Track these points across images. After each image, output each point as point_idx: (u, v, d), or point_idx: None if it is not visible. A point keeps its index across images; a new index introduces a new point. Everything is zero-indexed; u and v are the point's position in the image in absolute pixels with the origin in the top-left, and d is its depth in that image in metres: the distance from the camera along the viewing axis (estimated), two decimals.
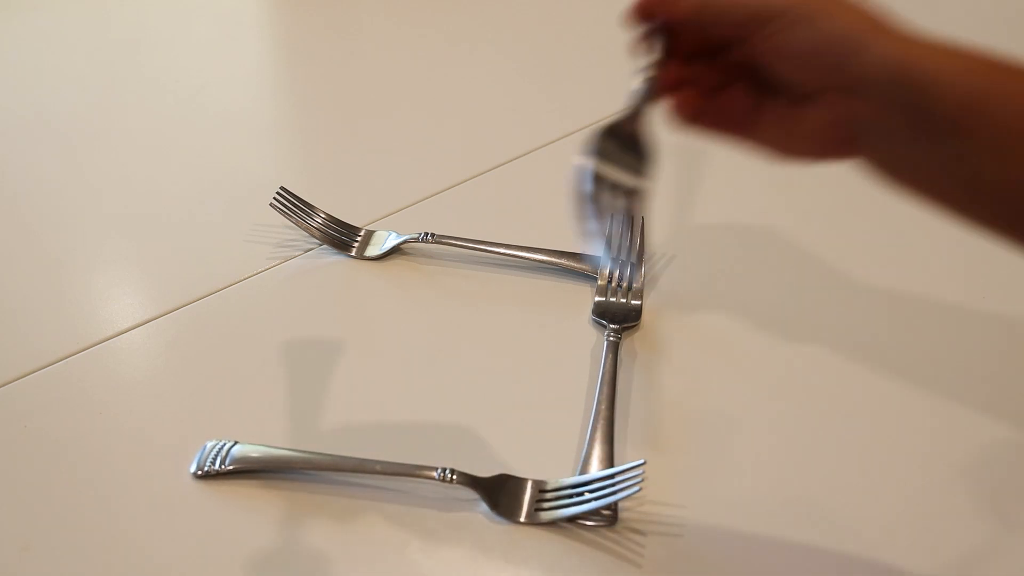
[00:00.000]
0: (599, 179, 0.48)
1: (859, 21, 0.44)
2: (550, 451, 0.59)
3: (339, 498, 0.56)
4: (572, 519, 0.55)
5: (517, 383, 0.64)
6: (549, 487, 0.56)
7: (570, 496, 0.55)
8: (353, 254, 0.74)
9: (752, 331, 0.68)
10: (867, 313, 0.70)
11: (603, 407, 0.61)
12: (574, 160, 0.48)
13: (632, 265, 0.70)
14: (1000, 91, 0.42)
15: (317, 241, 0.75)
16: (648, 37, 0.48)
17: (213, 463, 0.57)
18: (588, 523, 0.55)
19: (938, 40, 0.44)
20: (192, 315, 0.69)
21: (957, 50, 0.43)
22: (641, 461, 0.54)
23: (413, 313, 0.70)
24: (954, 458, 0.60)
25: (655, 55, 0.47)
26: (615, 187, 0.48)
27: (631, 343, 0.67)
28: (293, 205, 0.75)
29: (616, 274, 0.70)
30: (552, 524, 0.55)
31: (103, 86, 0.96)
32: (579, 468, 0.57)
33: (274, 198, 0.75)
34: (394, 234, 0.75)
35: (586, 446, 0.59)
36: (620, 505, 0.55)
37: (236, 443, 0.58)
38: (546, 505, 0.55)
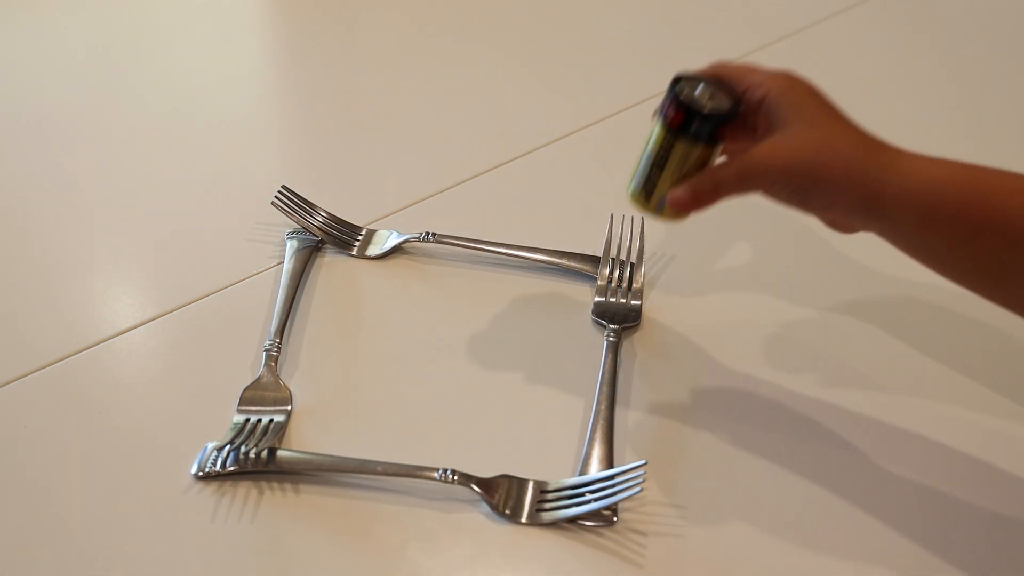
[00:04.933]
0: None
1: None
2: (550, 451, 0.59)
3: (339, 498, 0.56)
4: (573, 520, 0.55)
5: (517, 383, 0.64)
6: (550, 488, 0.56)
7: (571, 497, 0.55)
8: (354, 253, 0.74)
9: (752, 331, 0.68)
10: (869, 312, 0.70)
11: (603, 407, 0.61)
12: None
13: (632, 265, 0.70)
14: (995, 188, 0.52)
15: (315, 238, 0.75)
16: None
17: (214, 464, 0.57)
18: (589, 524, 0.55)
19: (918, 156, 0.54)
20: (192, 315, 0.69)
21: (941, 162, 0.53)
22: (642, 462, 0.54)
23: (414, 312, 0.70)
24: (958, 458, 0.60)
25: None
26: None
27: (631, 343, 0.67)
28: (295, 204, 0.75)
29: (616, 274, 0.70)
30: (553, 524, 0.55)
31: (103, 86, 0.96)
32: (579, 468, 0.57)
33: (276, 197, 0.75)
34: (395, 233, 0.75)
35: (586, 446, 0.58)
36: (620, 506, 0.55)
37: (238, 444, 0.58)
38: (547, 506, 0.55)
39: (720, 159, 0.58)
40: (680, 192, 0.57)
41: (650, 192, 0.58)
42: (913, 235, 0.54)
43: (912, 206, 0.52)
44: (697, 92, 0.56)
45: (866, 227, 0.55)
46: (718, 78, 0.58)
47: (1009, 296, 0.52)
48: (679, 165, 0.57)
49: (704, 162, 0.57)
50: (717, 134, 0.56)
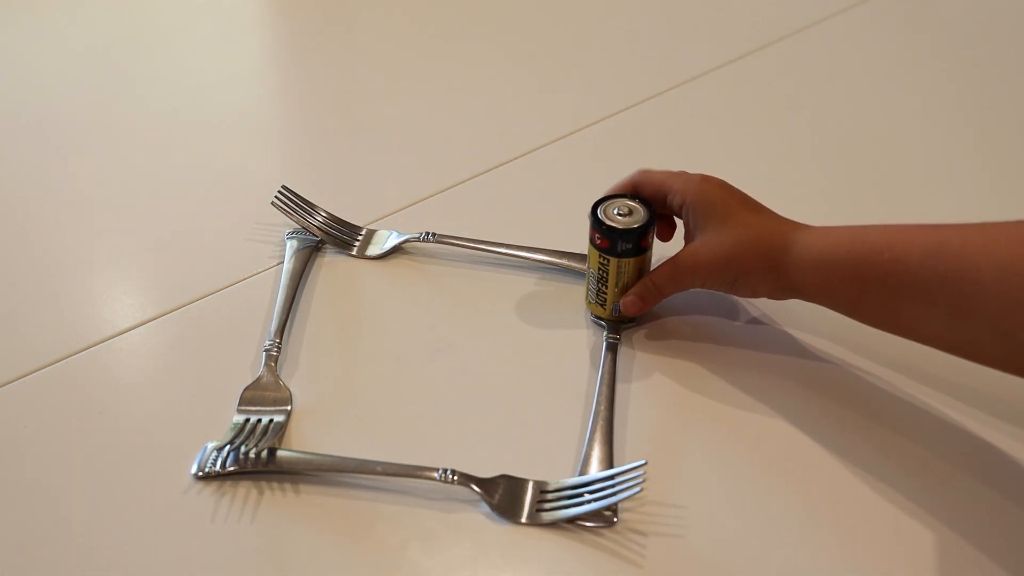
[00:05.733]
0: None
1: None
2: (550, 451, 0.59)
3: (340, 498, 0.56)
4: (573, 520, 0.55)
5: (517, 383, 0.64)
6: (550, 488, 0.56)
7: (571, 497, 0.55)
8: (354, 253, 0.74)
9: (752, 330, 0.68)
10: None
11: (603, 407, 0.61)
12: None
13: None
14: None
15: (315, 238, 0.75)
16: None
17: (213, 464, 0.57)
18: (589, 524, 0.55)
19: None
20: (192, 315, 0.69)
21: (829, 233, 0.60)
22: (642, 462, 0.54)
23: (414, 312, 0.70)
24: (955, 456, 0.60)
25: None
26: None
27: (631, 343, 0.67)
28: (295, 204, 0.75)
29: None
30: (552, 525, 0.55)
31: (103, 86, 0.96)
32: (579, 469, 0.57)
33: (276, 197, 0.75)
34: (395, 233, 0.75)
35: (586, 446, 0.58)
36: (620, 506, 0.55)
37: (238, 444, 0.58)
38: (547, 506, 0.55)
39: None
40: (630, 299, 0.65)
41: (604, 302, 0.67)
42: (821, 300, 0.61)
43: (811, 279, 0.60)
44: (616, 213, 0.64)
45: (789, 298, 0.63)
46: (636, 184, 0.66)
47: (913, 335, 0.57)
48: (618, 277, 0.65)
49: (640, 267, 0.66)
50: (642, 243, 0.64)
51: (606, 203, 0.65)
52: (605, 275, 0.65)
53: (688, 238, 0.66)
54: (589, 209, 0.65)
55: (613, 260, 0.64)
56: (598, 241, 0.64)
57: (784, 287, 0.62)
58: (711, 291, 0.71)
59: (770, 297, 0.64)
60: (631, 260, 0.65)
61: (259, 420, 0.60)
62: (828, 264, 0.59)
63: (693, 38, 1.07)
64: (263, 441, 0.58)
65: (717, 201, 0.64)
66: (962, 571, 0.53)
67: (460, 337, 0.67)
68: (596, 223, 0.64)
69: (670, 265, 0.65)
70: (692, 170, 0.67)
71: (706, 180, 0.65)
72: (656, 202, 0.66)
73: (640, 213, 0.64)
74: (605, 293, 0.66)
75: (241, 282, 0.71)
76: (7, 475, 0.58)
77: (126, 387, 0.65)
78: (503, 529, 0.55)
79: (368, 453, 0.57)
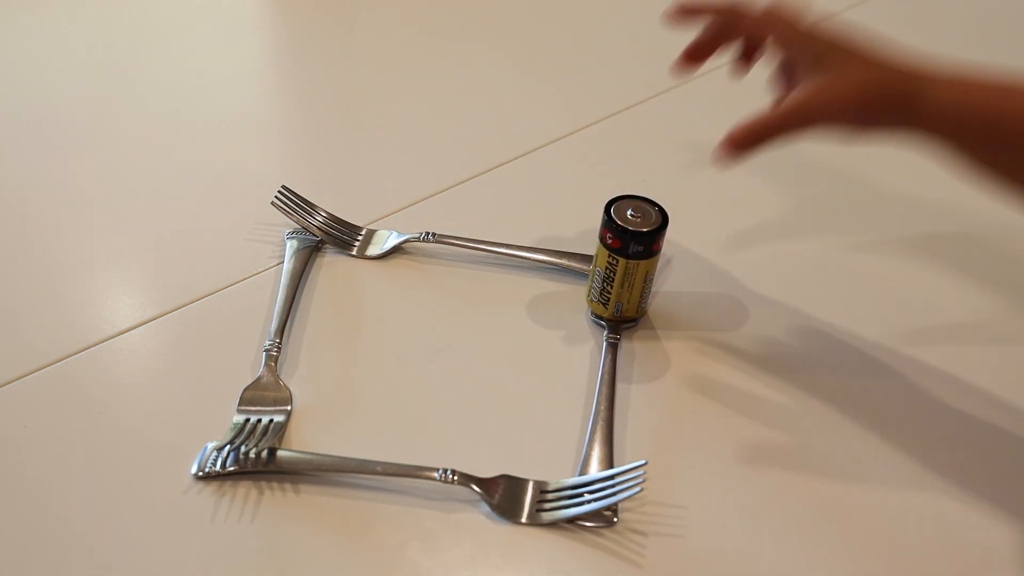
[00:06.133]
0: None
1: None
2: (550, 451, 0.59)
3: (340, 498, 0.56)
4: (573, 520, 0.55)
5: (517, 383, 0.64)
6: (550, 488, 0.56)
7: (571, 497, 0.55)
8: (354, 253, 0.74)
9: (751, 330, 0.68)
10: (867, 312, 0.70)
11: (603, 407, 0.61)
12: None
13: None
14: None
15: (315, 238, 0.75)
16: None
17: (214, 464, 0.57)
18: (589, 524, 0.55)
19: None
20: (192, 315, 0.69)
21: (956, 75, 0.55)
22: (642, 462, 0.54)
23: (414, 312, 0.70)
24: (957, 456, 0.60)
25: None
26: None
27: (631, 343, 0.67)
28: (294, 204, 0.75)
29: None
30: (552, 525, 0.55)
31: (103, 86, 0.96)
32: (579, 468, 0.57)
33: (275, 197, 0.75)
34: (395, 233, 0.75)
35: (586, 446, 0.59)
36: (621, 506, 0.55)
37: (238, 444, 0.58)
38: (547, 506, 0.55)
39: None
40: (738, 134, 0.56)
41: (606, 302, 0.67)
42: (952, 140, 0.55)
43: (947, 117, 0.55)
44: (629, 214, 0.64)
45: (916, 138, 0.57)
46: (722, 28, 0.63)
47: None
48: (625, 277, 0.65)
49: (647, 271, 0.65)
50: (653, 246, 0.64)
51: (620, 203, 0.65)
52: (612, 275, 0.65)
53: (792, 86, 0.60)
54: (591, 208, 0.65)
55: (622, 261, 0.64)
56: (609, 241, 0.64)
57: (916, 124, 0.56)
58: (711, 290, 0.71)
59: (894, 135, 0.57)
60: (640, 262, 0.64)
61: (259, 420, 0.60)
62: (964, 109, 0.55)
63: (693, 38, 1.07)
64: (263, 441, 0.58)
65: (829, 43, 0.59)
66: (962, 572, 0.53)
67: (460, 337, 0.67)
68: (609, 223, 0.64)
69: (796, 101, 0.57)
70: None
71: (801, 29, 0.60)
72: (745, 47, 0.63)
73: (653, 216, 0.65)
74: (609, 293, 0.66)
75: (241, 282, 0.71)
76: (7, 475, 0.58)
77: (126, 387, 0.65)
78: (503, 529, 0.55)
79: (368, 453, 0.57)
